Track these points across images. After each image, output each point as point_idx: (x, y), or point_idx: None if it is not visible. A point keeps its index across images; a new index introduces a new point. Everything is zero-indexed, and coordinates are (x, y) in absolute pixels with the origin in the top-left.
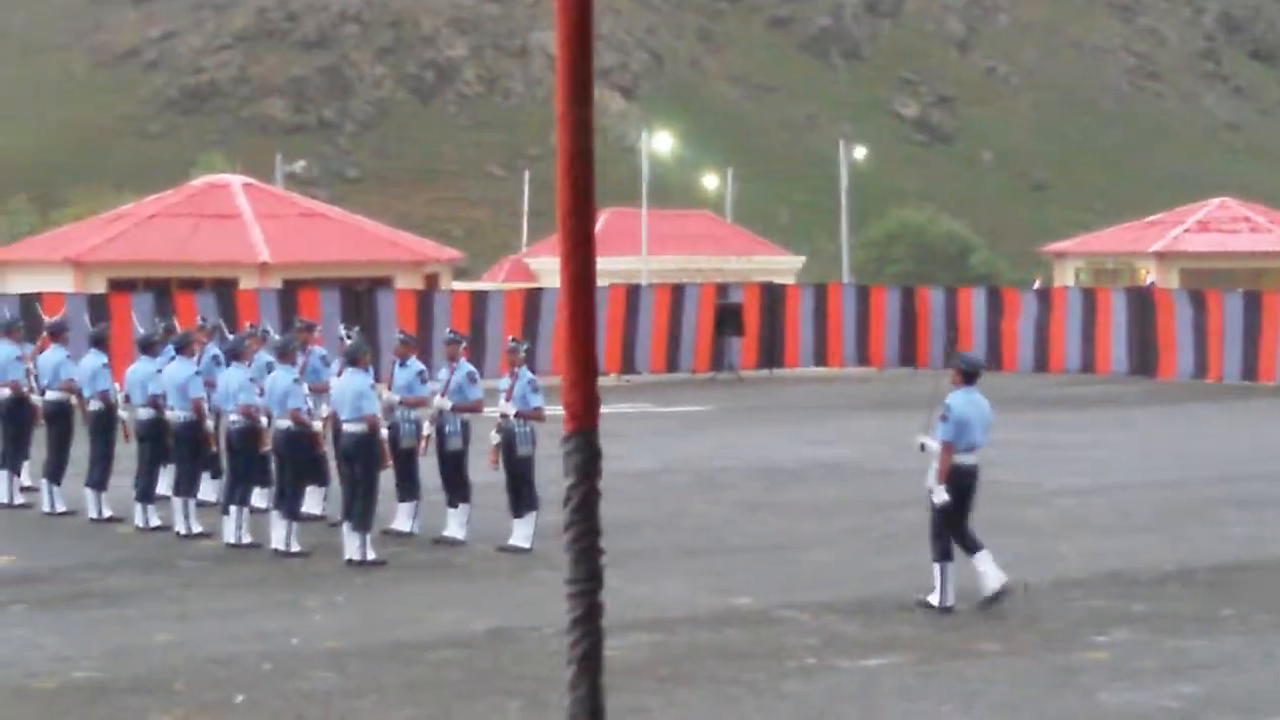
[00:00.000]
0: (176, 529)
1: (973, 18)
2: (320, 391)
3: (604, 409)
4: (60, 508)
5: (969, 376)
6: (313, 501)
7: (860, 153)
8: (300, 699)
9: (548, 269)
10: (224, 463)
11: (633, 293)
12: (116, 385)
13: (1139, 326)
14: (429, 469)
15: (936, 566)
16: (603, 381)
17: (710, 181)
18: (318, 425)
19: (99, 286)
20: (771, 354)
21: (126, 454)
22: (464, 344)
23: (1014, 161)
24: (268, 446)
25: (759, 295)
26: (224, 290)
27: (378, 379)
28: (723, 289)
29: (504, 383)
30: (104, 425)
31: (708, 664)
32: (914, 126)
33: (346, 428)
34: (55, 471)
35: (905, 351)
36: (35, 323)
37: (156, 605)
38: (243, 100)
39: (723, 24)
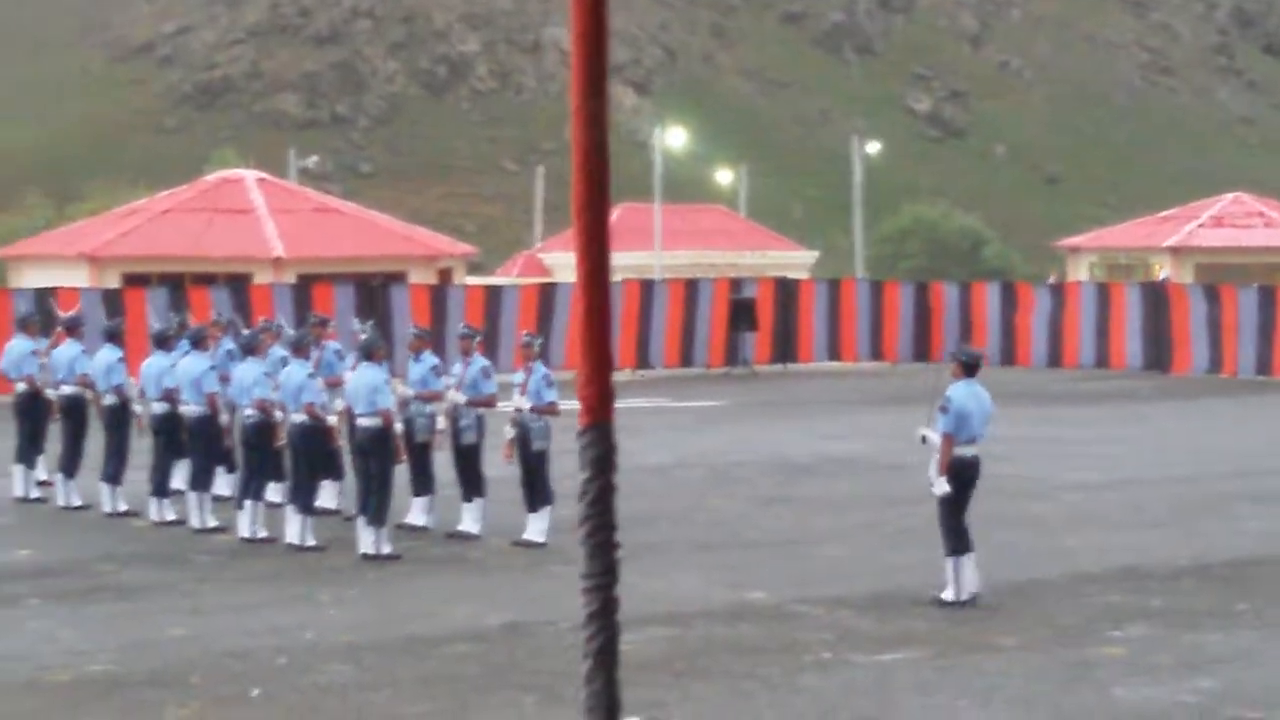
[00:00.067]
0: (191, 523)
1: (985, 12)
2: (335, 386)
3: (618, 404)
4: (75, 502)
5: (969, 369)
6: (327, 496)
7: (873, 148)
8: (316, 693)
9: (561, 264)
10: (239, 457)
11: (646, 288)
12: (131, 380)
13: (1153, 322)
14: (443, 464)
15: (950, 562)
16: (617, 376)
17: (724, 177)
18: (332, 420)
19: (114, 281)
20: (785, 349)
21: (141, 448)
22: (478, 339)
23: (1027, 156)
24: (282, 441)
25: (773, 290)
26: (238, 285)
27: (392, 374)
28: (736, 284)
29: (518, 377)
30: (119, 420)
31: (722, 658)
32: (927, 121)
33: (361, 422)
34: (70, 466)
35: (919, 346)
36: (50, 318)
37: (171, 599)
38: (256, 95)
39: (736, 19)
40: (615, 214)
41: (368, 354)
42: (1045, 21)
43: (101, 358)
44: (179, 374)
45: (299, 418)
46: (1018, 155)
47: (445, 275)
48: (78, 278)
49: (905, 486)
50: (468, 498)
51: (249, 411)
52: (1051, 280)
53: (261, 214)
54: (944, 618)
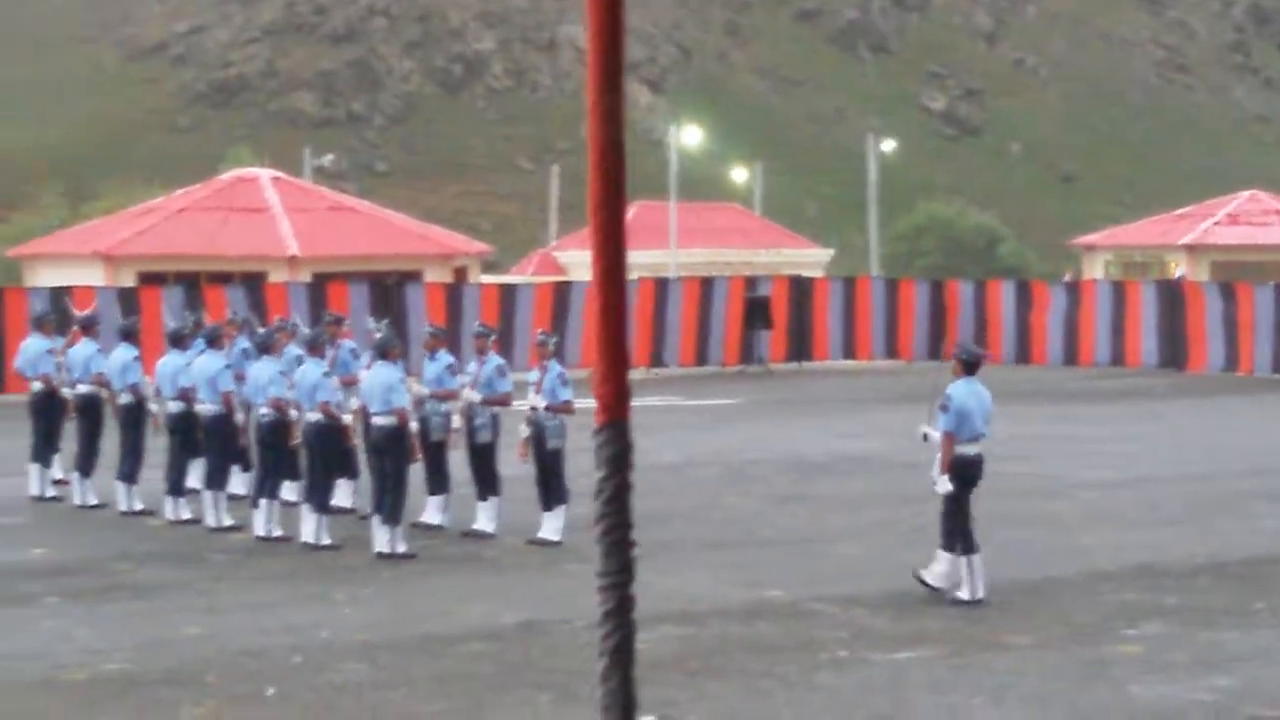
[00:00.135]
0: (207, 522)
1: (1000, 10)
2: (350, 385)
3: (633, 402)
4: (91, 501)
5: (969, 367)
6: (343, 495)
7: (888, 146)
8: (331, 691)
9: (576, 262)
10: (254, 456)
11: (661, 286)
12: (147, 379)
13: (1169, 320)
14: (458, 462)
15: (963, 561)
16: (632, 375)
17: (739, 175)
18: (347, 418)
19: (129, 280)
20: (800, 347)
21: (157, 447)
22: (493, 337)
23: (1042, 154)
24: (297, 440)
25: (788, 288)
26: (253, 284)
27: (407, 372)
28: (751, 282)
29: (533, 376)
30: (134, 419)
31: (737, 657)
32: (942, 119)
33: (376, 421)
34: (86, 465)
35: (934, 344)
36: (66, 317)
37: (187, 598)
38: (271, 94)
39: (750, 17)
40: (630, 212)
41: (383, 353)
42: (1060, 19)
43: (117, 356)
44: (194, 373)
45: (314, 416)
46: (1033, 153)
47: (460, 274)
48: (93, 277)
49: (920, 485)
50: (483, 496)
51: (264, 410)
52: (1067, 278)
53: (276, 212)
54: (959, 616)
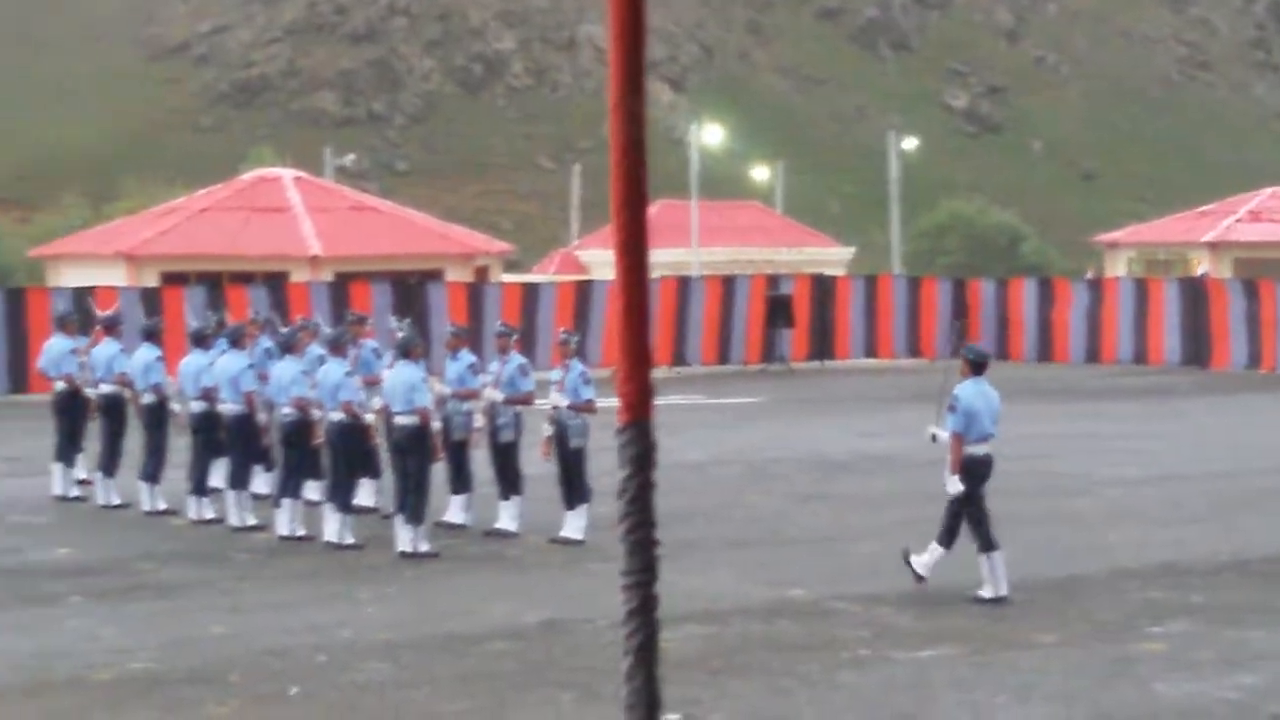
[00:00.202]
0: (230, 521)
1: (1021, 7)
2: (372, 384)
3: (656, 401)
4: (114, 500)
5: (977, 367)
6: (365, 494)
7: (910, 144)
8: (354, 690)
9: (598, 261)
10: (277, 455)
11: (683, 285)
12: (170, 378)
13: (1191, 317)
14: (481, 461)
15: (983, 558)
16: (654, 373)
17: (760, 173)
18: (370, 418)
19: (151, 280)
20: (822, 345)
21: (180, 447)
22: (515, 336)
23: (1064, 151)
24: (320, 439)
25: (809, 287)
26: (275, 283)
27: (430, 372)
28: (773, 280)
29: (555, 375)
30: (157, 418)
31: (760, 656)
32: (963, 117)
33: (398, 420)
34: (109, 464)
35: (956, 342)
36: (89, 317)
37: (211, 597)
38: (292, 94)
39: (771, 16)
40: (652, 211)
41: (405, 352)
42: (1082, 16)
43: (140, 356)
44: (217, 372)
45: (337, 416)
46: (1054, 151)
47: (482, 273)
48: (116, 277)
49: (942, 484)
50: (505, 495)
51: (287, 410)
52: (1089, 276)
53: (298, 212)
54: (982, 614)
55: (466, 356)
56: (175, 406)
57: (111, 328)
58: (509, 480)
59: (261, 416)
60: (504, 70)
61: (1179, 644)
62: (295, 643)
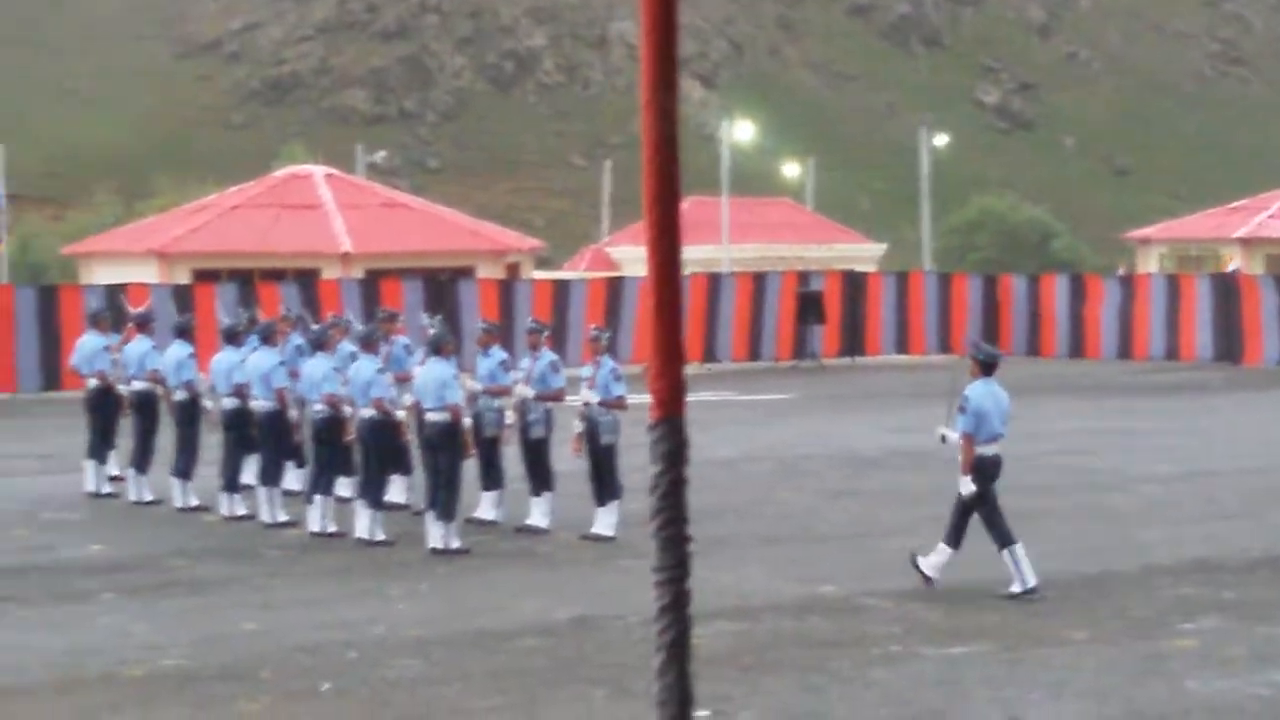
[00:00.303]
0: (261, 518)
1: (1053, 3)
2: (403, 381)
3: (688, 397)
4: (147, 497)
5: (987, 367)
6: (397, 490)
7: (941, 140)
8: (385, 687)
9: (629, 258)
10: (308, 452)
11: (714, 281)
12: (201, 375)
13: (1223, 313)
14: (512, 458)
15: (1005, 554)
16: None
17: (790, 170)
18: (401, 414)
19: (183, 277)
20: (853, 342)
21: (211, 444)
22: (546, 333)
23: (1096, 147)
24: (351, 436)
25: (840, 283)
26: (307, 280)
27: (461, 368)
28: (804, 277)
29: (586, 371)
30: (189, 415)
31: (791, 652)
32: (995, 113)
33: (430, 417)
34: (141, 461)
35: (987, 339)
36: (121, 314)
37: (243, 594)
38: (324, 91)
39: (802, 12)
40: (683, 207)
41: (436, 349)
42: (1114, 11)
43: (172, 353)
44: (249, 369)
45: (368, 413)
46: (1086, 147)
47: (513, 270)
48: (148, 274)
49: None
50: (536, 492)
51: (318, 407)
52: (1121, 272)
53: (330, 209)
54: (1013, 610)
55: (498, 353)
56: (207, 403)
57: (144, 325)
58: (540, 477)
59: (293, 413)
60: (535, 67)
61: (1211, 640)
62: (326, 639)
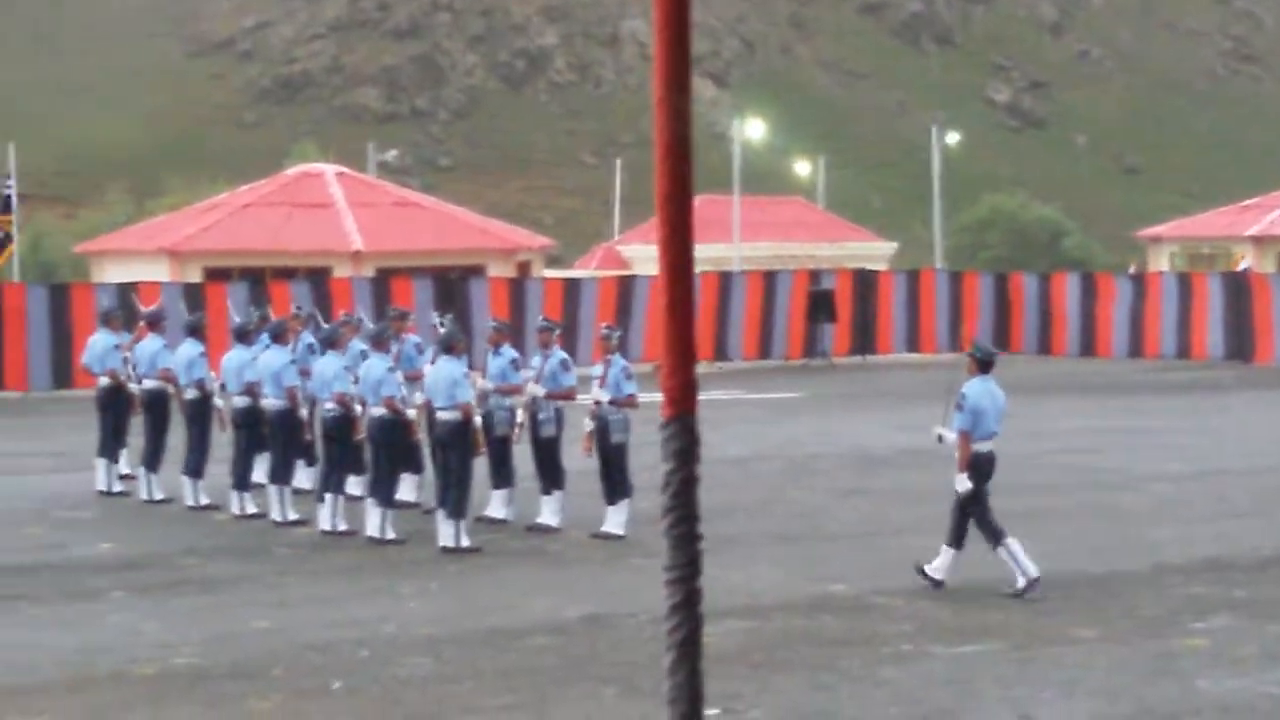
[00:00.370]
0: (272, 516)
1: (1065, 1)
2: (414, 380)
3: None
4: (158, 495)
5: (984, 365)
6: (407, 489)
7: (953, 138)
8: (396, 685)
9: (640, 256)
10: (319, 451)
11: (725, 280)
12: (212, 374)
13: (1235, 311)
14: (523, 457)
15: (1000, 551)
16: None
17: (802, 168)
18: (412, 413)
19: (194, 276)
20: (864, 340)
21: (222, 442)
22: (557, 331)
23: (1107, 145)
24: (362, 434)
25: (851, 281)
26: (318, 279)
27: (471, 367)
28: (815, 275)
29: (597, 370)
30: (200, 413)
31: (802, 650)
32: (1006, 111)
33: (440, 415)
34: (153, 459)
35: (999, 337)
36: (132, 312)
37: (254, 592)
38: (335, 89)
39: (814, 10)
40: (694, 206)
41: (447, 347)
42: (1126, 10)
43: (183, 352)
44: (260, 368)
45: (379, 411)
46: (1098, 145)
47: (524, 268)
48: (159, 272)
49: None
50: (547, 490)
51: (329, 405)
52: (1132, 270)
53: (341, 208)
54: (1024, 609)
55: (508, 352)
56: (218, 402)
57: (155, 323)
58: (550, 475)
59: (304, 412)
60: (547, 66)
61: (1222, 639)
62: (337, 637)
